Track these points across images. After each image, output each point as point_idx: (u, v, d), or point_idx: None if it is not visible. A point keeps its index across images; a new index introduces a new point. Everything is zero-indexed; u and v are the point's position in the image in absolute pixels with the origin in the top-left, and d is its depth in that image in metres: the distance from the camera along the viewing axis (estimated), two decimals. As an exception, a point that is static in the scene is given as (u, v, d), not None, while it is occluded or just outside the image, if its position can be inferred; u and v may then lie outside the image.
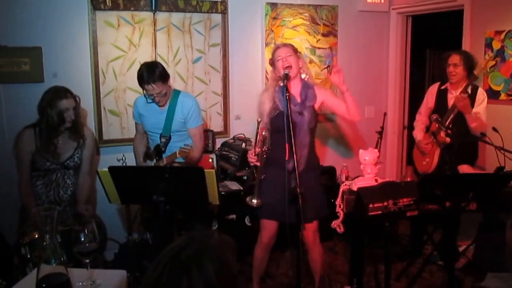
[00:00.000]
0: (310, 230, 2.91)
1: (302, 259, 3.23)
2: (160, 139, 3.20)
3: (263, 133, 2.83)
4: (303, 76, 2.99)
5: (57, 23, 3.60)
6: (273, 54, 2.96)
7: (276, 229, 3.06)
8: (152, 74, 3.00)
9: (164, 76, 3.06)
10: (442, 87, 3.75)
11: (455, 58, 3.56)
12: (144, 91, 3.10)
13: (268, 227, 3.04)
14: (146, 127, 3.31)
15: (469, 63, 3.56)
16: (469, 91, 3.53)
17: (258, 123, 2.89)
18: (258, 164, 2.81)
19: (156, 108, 3.20)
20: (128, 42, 3.83)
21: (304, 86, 2.92)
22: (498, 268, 1.45)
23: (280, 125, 2.82)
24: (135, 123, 3.44)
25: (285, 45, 2.97)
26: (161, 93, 3.07)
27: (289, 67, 2.80)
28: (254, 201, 2.81)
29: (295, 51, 2.94)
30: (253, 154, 2.83)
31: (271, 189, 2.90)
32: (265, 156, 2.82)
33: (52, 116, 2.91)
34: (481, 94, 3.56)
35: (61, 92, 2.94)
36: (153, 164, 3.21)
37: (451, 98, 3.61)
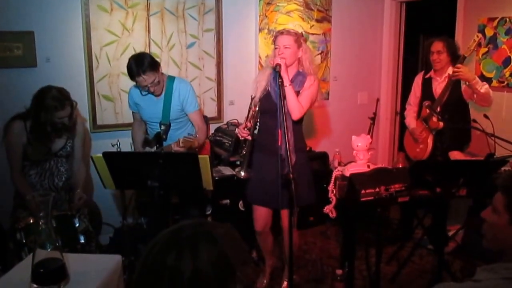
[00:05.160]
0: (286, 216, 2.93)
1: (281, 244, 3.29)
2: (160, 127, 3.18)
3: (256, 108, 2.87)
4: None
5: (49, 7, 3.56)
6: (274, 38, 2.92)
7: (268, 215, 3.10)
8: (141, 65, 2.95)
9: (153, 65, 3.01)
10: (426, 76, 3.77)
11: (438, 45, 3.56)
12: (138, 84, 3.06)
13: (259, 216, 3.09)
14: (144, 117, 3.30)
15: (452, 50, 3.58)
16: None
17: (252, 98, 2.91)
18: (250, 138, 2.85)
19: (152, 98, 3.18)
20: (121, 27, 3.80)
21: (297, 73, 2.89)
22: (485, 252, 1.49)
23: (265, 106, 2.88)
24: (132, 112, 3.42)
25: (288, 33, 2.85)
26: (154, 82, 3.02)
27: (279, 65, 2.70)
28: (242, 173, 2.86)
29: (297, 40, 2.84)
30: (244, 129, 2.85)
31: (259, 175, 2.94)
32: (255, 130, 2.87)
33: (45, 122, 2.86)
34: None
35: (60, 102, 2.83)
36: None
37: (436, 85, 3.64)
